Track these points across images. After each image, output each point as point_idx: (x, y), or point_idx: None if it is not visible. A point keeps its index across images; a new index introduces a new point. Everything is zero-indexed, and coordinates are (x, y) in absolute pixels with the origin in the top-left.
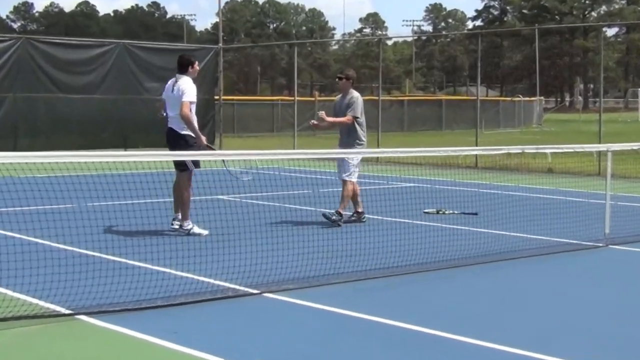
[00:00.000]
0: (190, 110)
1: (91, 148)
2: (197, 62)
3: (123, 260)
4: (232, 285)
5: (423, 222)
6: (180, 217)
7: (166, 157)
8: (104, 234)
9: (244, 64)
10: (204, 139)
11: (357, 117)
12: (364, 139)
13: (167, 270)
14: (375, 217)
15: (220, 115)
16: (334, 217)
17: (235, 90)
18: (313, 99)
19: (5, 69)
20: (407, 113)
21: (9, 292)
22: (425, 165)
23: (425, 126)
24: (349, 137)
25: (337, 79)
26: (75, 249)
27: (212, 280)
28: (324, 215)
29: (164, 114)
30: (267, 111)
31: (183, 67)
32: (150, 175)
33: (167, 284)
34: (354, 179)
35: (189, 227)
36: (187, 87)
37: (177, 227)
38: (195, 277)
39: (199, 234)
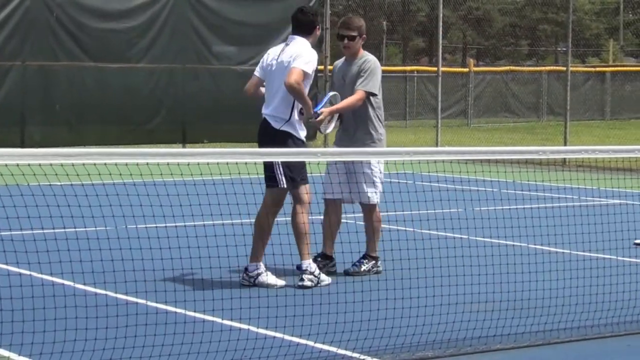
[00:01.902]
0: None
1: (134, 143)
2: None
3: (180, 311)
4: (342, 351)
5: (634, 260)
6: (255, 267)
7: (249, 156)
8: (154, 271)
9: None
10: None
11: (374, 94)
12: (382, 130)
13: (244, 326)
14: (561, 250)
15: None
16: (365, 267)
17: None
18: (467, 69)
19: (10, 26)
20: (612, 92)
21: (12, 356)
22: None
23: None
24: (359, 130)
25: (341, 38)
26: (110, 293)
27: (310, 343)
28: (347, 272)
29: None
30: (397, 88)
31: (303, 26)
32: (223, 185)
33: (246, 346)
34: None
35: (312, 269)
36: (303, 51)
37: (248, 280)
38: (288, 337)
39: (272, 285)
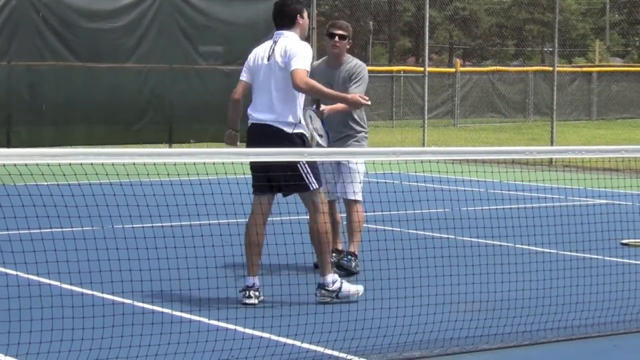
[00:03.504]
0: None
1: (121, 143)
2: (305, 12)
3: (167, 311)
4: (329, 351)
5: (620, 260)
6: (332, 280)
7: (235, 156)
8: (140, 271)
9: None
10: (352, 95)
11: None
12: (367, 129)
13: (231, 326)
14: (548, 250)
15: None
16: (354, 265)
17: None
18: (453, 69)
19: None
20: (598, 92)
21: None
22: (626, 172)
23: (627, 112)
24: (347, 127)
25: (331, 37)
26: (96, 293)
27: (297, 343)
28: (340, 265)
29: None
30: (384, 88)
31: (285, 18)
32: (210, 185)
33: (233, 346)
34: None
35: (336, 285)
36: (295, 47)
37: (253, 300)
38: (275, 337)
39: (354, 293)
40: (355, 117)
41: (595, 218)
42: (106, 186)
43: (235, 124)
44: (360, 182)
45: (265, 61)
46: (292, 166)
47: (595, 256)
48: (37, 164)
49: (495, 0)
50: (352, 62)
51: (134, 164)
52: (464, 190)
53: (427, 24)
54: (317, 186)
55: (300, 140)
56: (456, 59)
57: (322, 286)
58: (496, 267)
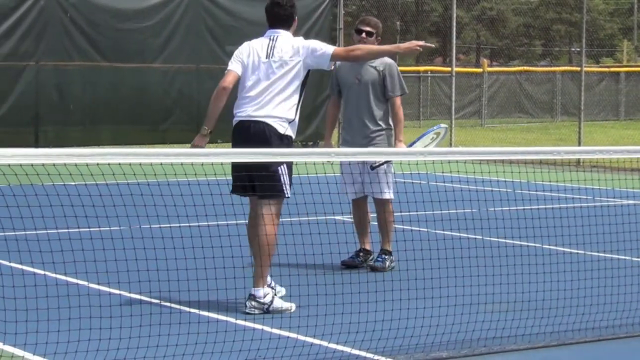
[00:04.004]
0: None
1: (148, 143)
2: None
3: (194, 311)
4: (356, 351)
5: None
6: (264, 293)
7: (263, 156)
8: (168, 271)
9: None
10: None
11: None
12: (391, 126)
13: (259, 326)
14: (576, 251)
15: None
16: (389, 263)
17: None
18: (480, 70)
19: (25, 26)
20: (626, 92)
21: (27, 356)
22: None
23: None
24: (378, 126)
25: (359, 33)
26: (124, 292)
27: (324, 343)
28: (374, 268)
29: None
30: (411, 88)
31: (283, 20)
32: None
33: (260, 346)
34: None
35: (267, 298)
36: (308, 41)
37: (260, 308)
38: (302, 337)
39: (286, 309)
40: (376, 118)
41: (623, 219)
42: (133, 186)
43: (215, 119)
44: (391, 182)
45: (264, 59)
46: (272, 169)
47: (624, 257)
48: (65, 164)
49: (523, 0)
50: (383, 60)
51: (161, 164)
52: (492, 190)
53: (454, 24)
54: (289, 195)
55: (288, 142)
56: (483, 59)
57: (253, 297)
58: (524, 267)
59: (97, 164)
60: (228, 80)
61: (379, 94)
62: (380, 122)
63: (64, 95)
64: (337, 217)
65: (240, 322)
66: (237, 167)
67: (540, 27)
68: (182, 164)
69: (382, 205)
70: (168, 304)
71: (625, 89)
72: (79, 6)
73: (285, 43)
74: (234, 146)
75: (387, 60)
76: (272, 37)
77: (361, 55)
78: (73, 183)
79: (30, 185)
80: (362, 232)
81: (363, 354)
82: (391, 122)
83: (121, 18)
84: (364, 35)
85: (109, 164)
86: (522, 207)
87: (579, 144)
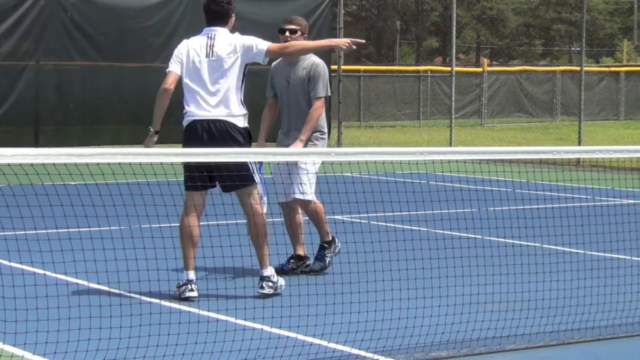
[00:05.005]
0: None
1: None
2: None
3: (193, 310)
4: (355, 351)
5: None
6: (271, 273)
7: (272, 156)
8: (168, 270)
9: (376, 16)
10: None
11: (329, 96)
12: (325, 130)
13: (258, 326)
14: (575, 250)
15: (339, 94)
16: (330, 257)
17: (362, 56)
18: (480, 69)
19: (25, 26)
20: (626, 92)
21: (27, 355)
22: None
23: None
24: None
25: (281, 32)
26: (123, 292)
27: (324, 343)
28: (314, 271)
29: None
30: (411, 88)
31: (220, 17)
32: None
33: (260, 346)
34: (313, 196)
35: (275, 277)
36: (244, 37)
37: (267, 290)
38: (302, 337)
39: (283, 286)
40: (322, 119)
41: (622, 218)
42: (133, 186)
43: (160, 120)
44: (311, 182)
45: (204, 57)
46: (240, 166)
47: (623, 256)
48: (65, 164)
49: (523, 0)
50: (308, 59)
51: (161, 164)
52: (491, 190)
53: (454, 23)
54: (258, 181)
55: (247, 134)
56: (483, 58)
57: (266, 279)
58: (523, 267)
59: (97, 164)
60: (169, 82)
61: (308, 95)
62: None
63: (64, 95)
64: (337, 217)
65: (240, 321)
66: (195, 165)
67: (540, 26)
68: (181, 164)
69: (303, 206)
70: (168, 303)
71: (625, 88)
72: (79, 6)
73: (223, 41)
74: (189, 145)
75: (315, 60)
76: (210, 36)
77: (294, 51)
78: (73, 183)
79: (30, 185)
80: (292, 236)
81: (363, 353)
82: (324, 125)
83: (121, 17)
84: (287, 34)
85: (109, 164)
86: (522, 207)
87: (579, 144)
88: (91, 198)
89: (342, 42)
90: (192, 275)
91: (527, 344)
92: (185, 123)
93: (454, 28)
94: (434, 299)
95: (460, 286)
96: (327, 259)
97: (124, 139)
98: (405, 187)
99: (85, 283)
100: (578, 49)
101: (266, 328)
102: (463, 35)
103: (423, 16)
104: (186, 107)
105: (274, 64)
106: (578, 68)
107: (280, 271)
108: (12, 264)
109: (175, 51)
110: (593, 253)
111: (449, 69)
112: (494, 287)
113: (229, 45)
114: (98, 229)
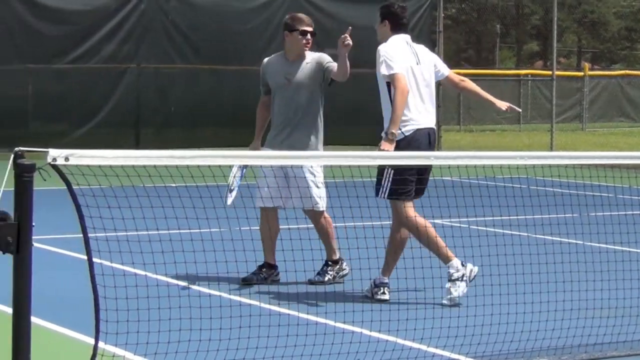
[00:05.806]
0: None
1: (248, 145)
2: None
3: (293, 313)
4: (455, 355)
5: None
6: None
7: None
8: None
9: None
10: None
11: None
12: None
13: (357, 329)
14: None
15: (439, 97)
16: (333, 274)
17: (461, 60)
18: (581, 74)
19: (126, 29)
20: None
21: (128, 355)
22: None
23: None
24: (316, 128)
25: (303, 34)
26: (224, 294)
27: (423, 347)
28: (312, 282)
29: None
30: (511, 92)
31: (407, 25)
32: (345, 187)
33: (359, 349)
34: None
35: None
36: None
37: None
38: (401, 341)
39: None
40: (318, 122)
41: None
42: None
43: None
44: (322, 189)
45: (415, 65)
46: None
47: None
48: (166, 166)
49: (625, 4)
50: (312, 54)
51: (260, 166)
52: (592, 195)
53: (555, 27)
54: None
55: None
56: (584, 62)
57: (384, 285)
58: (625, 273)
59: (198, 166)
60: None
61: (314, 90)
62: (317, 129)
63: (165, 97)
64: (436, 221)
65: (340, 324)
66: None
67: None
68: (281, 167)
69: (314, 216)
70: (267, 305)
71: None
72: (180, 9)
73: (421, 49)
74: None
75: (321, 53)
76: (408, 42)
77: (468, 89)
78: (174, 185)
79: (131, 186)
80: (267, 244)
81: (462, 358)
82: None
83: (222, 20)
84: (309, 36)
85: (209, 166)
86: (624, 212)
87: None
88: (191, 200)
89: (503, 105)
90: (385, 279)
91: (629, 351)
92: (409, 131)
93: (555, 32)
94: (534, 305)
95: (561, 292)
96: (328, 276)
97: (223, 141)
98: (505, 192)
99: (186, 284)
100: None
101: (365, 331)
102: (564, 39)
103: (523, 19)
104: (409, 113)
105: (266, 61)
106: None
107: (250, 282)
108: (114, 265)
109: (392, 52)
110: None
111: (550, 73)
112: (595, 293)
113: (427, 54)
114: (198, 230)
